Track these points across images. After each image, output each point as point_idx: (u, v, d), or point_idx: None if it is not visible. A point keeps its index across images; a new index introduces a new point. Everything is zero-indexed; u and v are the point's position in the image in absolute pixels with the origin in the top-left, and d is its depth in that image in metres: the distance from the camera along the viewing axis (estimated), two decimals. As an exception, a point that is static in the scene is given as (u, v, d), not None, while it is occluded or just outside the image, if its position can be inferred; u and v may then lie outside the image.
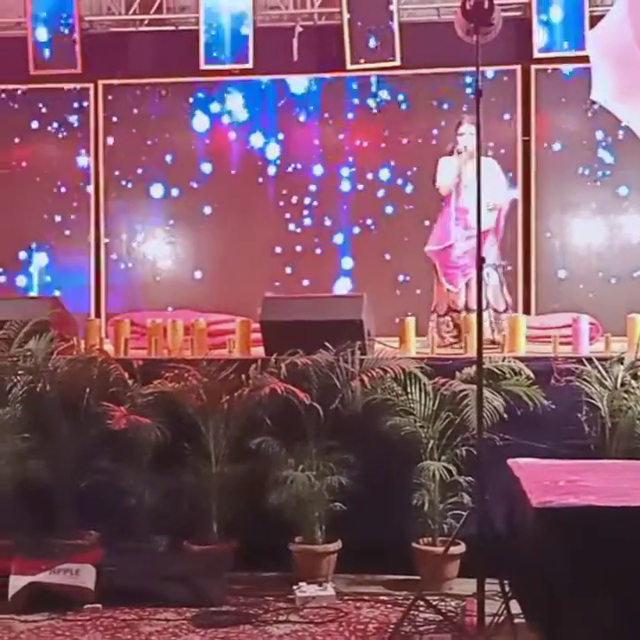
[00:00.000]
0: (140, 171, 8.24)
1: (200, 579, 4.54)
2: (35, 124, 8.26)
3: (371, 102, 8.10)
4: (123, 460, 4.84)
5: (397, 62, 7.91)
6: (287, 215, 8.10)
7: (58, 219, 8.28)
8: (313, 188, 8.06)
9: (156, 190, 8.24)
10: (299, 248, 8.08)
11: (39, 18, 8.00)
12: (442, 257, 6.09)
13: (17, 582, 4.40)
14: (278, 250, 8.11)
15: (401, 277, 7.88)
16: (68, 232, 8.30)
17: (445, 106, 7.94)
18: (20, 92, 8.25)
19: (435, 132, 7.88)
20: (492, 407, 4.58)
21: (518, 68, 7.87)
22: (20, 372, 4.95)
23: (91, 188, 8.26)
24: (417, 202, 7.71)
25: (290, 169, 8.13)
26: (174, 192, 8.22)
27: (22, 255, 8.32)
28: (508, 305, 6.10)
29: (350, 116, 8.13)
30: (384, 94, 8.09)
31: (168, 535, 4.83)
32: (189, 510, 4.81)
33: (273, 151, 8.17)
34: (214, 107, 8.22)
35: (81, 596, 4.41)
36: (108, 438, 4.78)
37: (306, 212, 8.09)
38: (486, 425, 4.34)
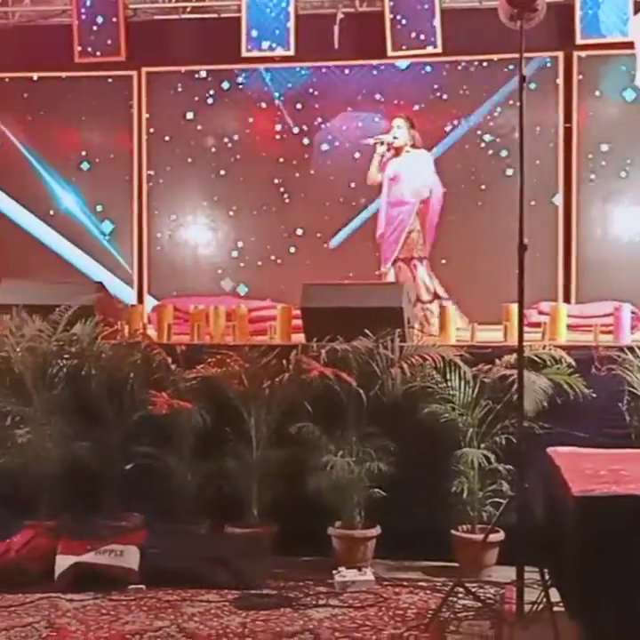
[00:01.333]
0: (181, 156, 8.31)
1: (241, 561, 4.60)
2: (80, 111, 8.37)
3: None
4: (165, 444, 4.91)
5: (439, 49, 7.89)
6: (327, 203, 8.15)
7: (99, 208, 8.40)
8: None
9: (197, 176, 8.31)
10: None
11: (84, 5, 8.09)
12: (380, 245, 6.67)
13: (63, 562, 4.49)
14: (319, 235, 8.17)
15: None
16: (112, 217, 8.41)
17: (484, 94, 7.93)
18: (64, 78, 8.36)
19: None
20: (538, 391, 4.59)
21: (560, 54, 7.83)
22: (65, 356, 5.02)
23: (135, 174, 8.35)
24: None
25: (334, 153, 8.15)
26: (216, 177, 8.29)
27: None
28: (435, 296, 6.48)
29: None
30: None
31: (209, 518, 4.89)
32: (230, 494, 4.87)
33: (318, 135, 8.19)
34: (254, 93, 8.27)
35: (125, 576, 4.49)
36: (151, 422, 4.86)
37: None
38: (527, 413, 4.35)
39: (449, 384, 4.85)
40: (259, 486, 4.88)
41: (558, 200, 7.83)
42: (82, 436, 4.92)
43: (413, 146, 6.72)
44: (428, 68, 8.12)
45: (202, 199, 8.38)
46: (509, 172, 7.86)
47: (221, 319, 5.83)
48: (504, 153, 7.96)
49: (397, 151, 6.66)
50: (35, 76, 8.39)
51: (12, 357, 4.96)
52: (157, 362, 5.01)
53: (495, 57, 7.87)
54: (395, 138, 6.64)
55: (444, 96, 8.08)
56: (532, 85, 7.50)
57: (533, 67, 7.70)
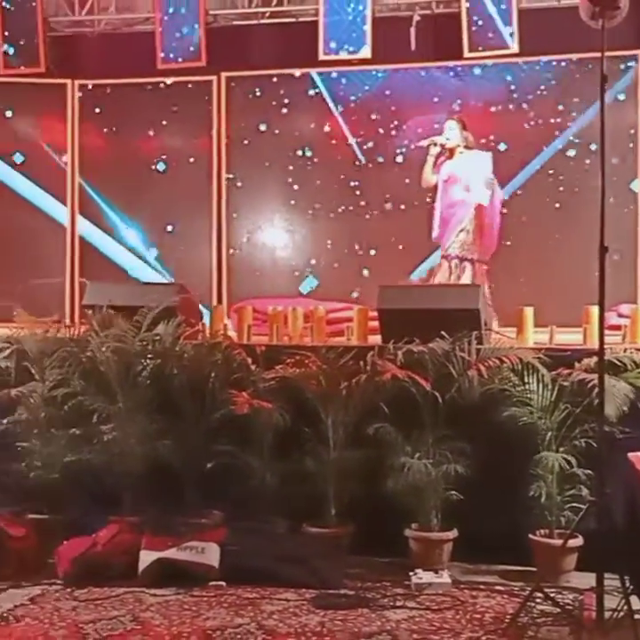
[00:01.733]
0: (259, 160, 8.42)
1: (319, 561, 4.65)
2: (162, 116, 8.55)
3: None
4: (245, 444, 4.98)
5: (516, 50, 7.84)
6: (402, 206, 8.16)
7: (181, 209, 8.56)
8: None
9: (275, 179, 8.40)
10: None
11: (167, 13, 8.27)
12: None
13: (147, 557, 4.59)
14: (393, 239, 8.19)
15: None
16: (192, 220, 8.56)
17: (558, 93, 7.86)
18: (148, 84, 8.56)
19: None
20: (619, 395, 4.54)
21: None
22: (149, 356, 5.13)
23: (214, 177, 8.49)
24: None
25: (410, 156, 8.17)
26: (293, 180, 8.37)
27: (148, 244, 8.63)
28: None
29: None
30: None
31: (288, 517, 4.94)
32: (308, 494, 4.91)
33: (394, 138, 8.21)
34: (331, 96, 8.33)
35: (206, 573, 4.57)
36: (232, 422, 4.93)
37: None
38: (608, 417, 4.31)
39: (527, 387, 4.82)
40: (336, 486, 4.92)
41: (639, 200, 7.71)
42: (164, 435, 5.02)
43: (466, 147, 6.75)
44: (505, 69, 8.07)
45: (279, 202, 8.48)
46: (588, 172, 7.77)
47: (299, 320, 5.90)
48: (582, 153, 7.88)
49: (451, 153, 6.70)
50: (116, 82, 8.60)
51: (98, 357, 5.10)
52: (238, 362, 5.10)
53: (574, 56, 7.78)
54: (447, 139, 6.68)
55: (521, 97, 8.02)
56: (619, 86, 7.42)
57: (616, 65, 7.59)
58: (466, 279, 6.65)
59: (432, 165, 6.76)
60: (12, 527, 4.83)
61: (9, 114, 8.68)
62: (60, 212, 8.71)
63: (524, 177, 7.82)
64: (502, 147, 7.94)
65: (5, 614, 4.15)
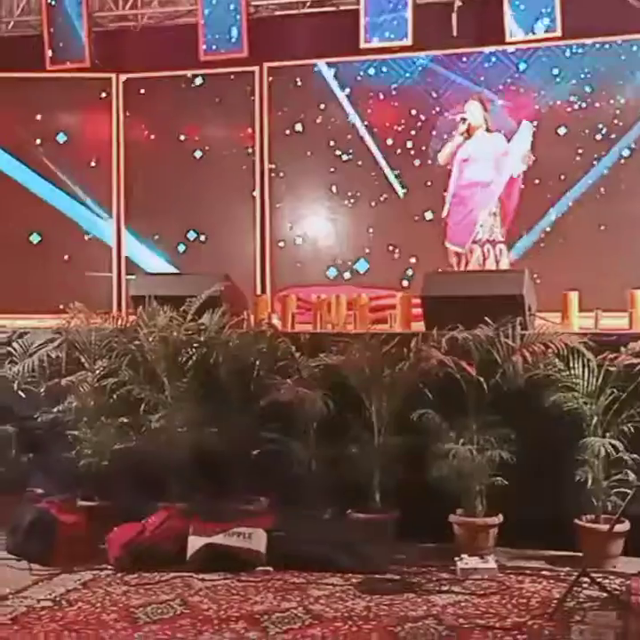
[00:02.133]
0: (301, 149, 8.45)
1: (364, 546, 4.68)
2: (205, 108, 8.62)
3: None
4: (290, 431, 5.02)
5: (558, 33, 7.76)
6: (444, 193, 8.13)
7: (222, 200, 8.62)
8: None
9: (316, 169, 8.43)
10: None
11: (209, 4, 8.33)
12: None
13: (195, 543, 4.67)
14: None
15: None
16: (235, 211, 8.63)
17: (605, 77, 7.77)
18: (191, 76, 8.63)
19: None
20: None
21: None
22: (195, 345, 5.20)
23: (257, 167, 8.53)
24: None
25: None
26: (335, 170, 8.39)
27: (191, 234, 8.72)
28: None
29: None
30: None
31: (333, 503, 4.97)
32: (353, 480, 4.94)
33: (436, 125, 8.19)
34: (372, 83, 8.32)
35: (253, 558, 4.63)
36: (277, 409, 4.97)
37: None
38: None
39: (572, 372, 4.79)
40: (381, 472, 4.94)
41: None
42: (211, 422, 5.08)
43: (487, 129, 6.73)
44: (548, 53, 7.98)
45: (321, 191, 8.49)
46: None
47: (343, 308, 5.93)
48: (624, 137, 7.79)
49: (470, 133, 6.68)
50: (159, 75, 8.68)
51: (145, 347, 5.17)
52: (282, 350, 5.15)
53: (619, 39, 7.69)
54: (464, 120, 6.72)
55: (564, 81, 7.94)
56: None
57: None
58: (504, 263, 6.63)
59: (455, 144, 6.74)
60: (64, 514, 4.94)
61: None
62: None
63: (565, 160, 7.75)
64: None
65: (58, 599, 4.25)
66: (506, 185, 6.67)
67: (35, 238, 8.83)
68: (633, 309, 5.29)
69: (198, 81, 8.65)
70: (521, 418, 4.81)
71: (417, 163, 8.27)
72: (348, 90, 8.39)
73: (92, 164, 8.84)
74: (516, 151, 6.64)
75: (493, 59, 8.13)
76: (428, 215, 8.18)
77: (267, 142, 8.55)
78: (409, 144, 8.28)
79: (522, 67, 8.04)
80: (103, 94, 8.83)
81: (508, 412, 4.81)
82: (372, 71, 8.33)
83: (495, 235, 6.68)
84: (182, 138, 8.75)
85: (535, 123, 7.76)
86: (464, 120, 6.72)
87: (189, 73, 8.63)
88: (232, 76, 8.59)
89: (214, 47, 8.37)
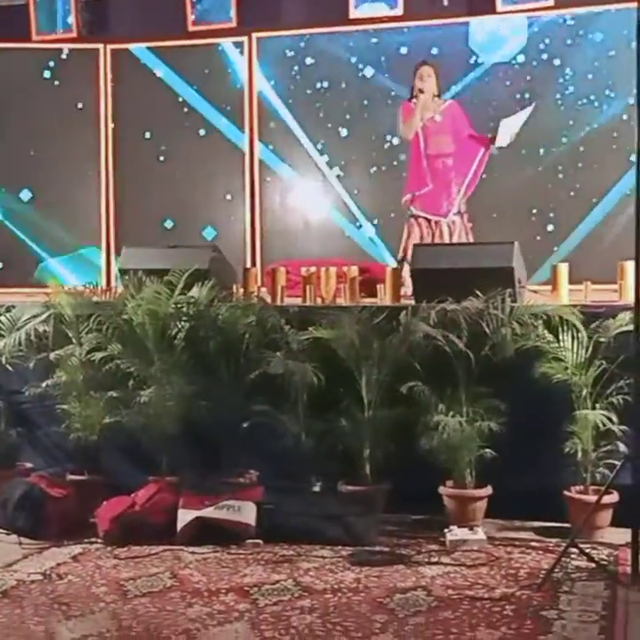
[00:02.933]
0: (292, 119, 8.38)
1: (354, 519, 4.69)
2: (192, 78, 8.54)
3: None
4: (280, 404, 5.02)
5: (551, 2, 7.69)
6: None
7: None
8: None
9: (307, 138, 8.36)
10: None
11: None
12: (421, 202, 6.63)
13: (185, 516, 4.66)
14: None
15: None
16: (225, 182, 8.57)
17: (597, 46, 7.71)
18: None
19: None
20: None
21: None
22: (183, 319, 5.18)
23: (246, 139, 8.46)
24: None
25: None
26: (326, 139, 8.32)
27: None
28: None
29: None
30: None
31: (323, 476, 4.99)
32: (343, 452, 4.96)
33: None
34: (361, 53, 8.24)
35: (243, 531, 4.63)
36: (267, 382, 4.97)
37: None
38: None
39: (562, 344, 4.79)
40: (371, 445, 4.95)
41: None
42: (200, 396, 5.06)
43: (438, 96, 6.72)
44: (539, 22, 7.90)
45: (312, 161, 8.42)
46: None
47: (332, 281, 5.91)
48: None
49: (425, 101, 6.63)
50: (149, 45, 8.58)
51: (134, 320, 5.15)
52: (271, 323, 5.13)
53: (613, 8, 7.61)
54: (421, 91, 6.63)
55: (554, 49, 7.87)
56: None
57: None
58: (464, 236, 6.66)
59: (417, 115, 6.66)
60: (53, 488, 4.93)
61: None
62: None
63: (554, 130, 7.72)
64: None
65: (48, 572, 4.26)
66: (478, 156, 6.62)
67: None
68: (622, 281, 5.28)
69: (186, 52, 8.53)
70: (510, 390, 4.82)
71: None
72: (335, 59, 8.24)
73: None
74: (507, 126, 6.56)
75: (483, 27, 8.03)
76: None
77: (256, 113, 8.47)
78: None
79: (511, 37, 7.94)
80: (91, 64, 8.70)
81: (497, 384, 4.81)
82: (361, 40, 8.19)
83: (461, 206, 6.67)
84: (167, 109, 8.64)
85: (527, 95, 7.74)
86: (421, 91, 6.63)
87: (179, 44, 8.52)
88: (220, 47, 8.49)
89: (202, 17, 8.29)
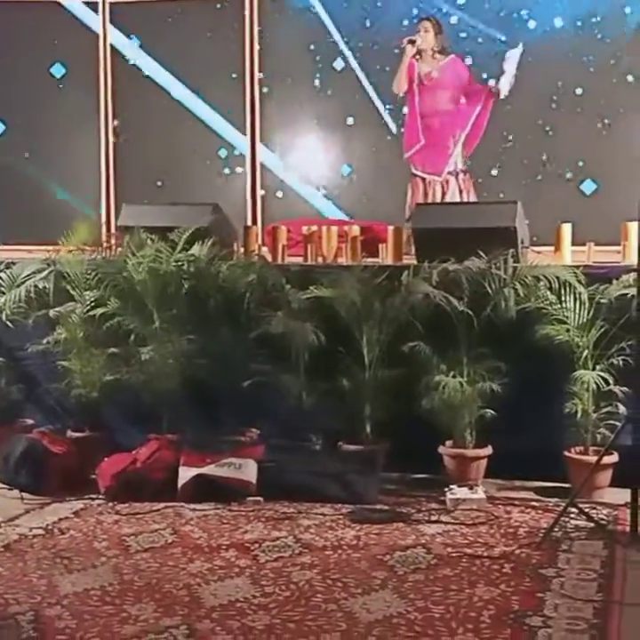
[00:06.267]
0: (291, 76, 8.29)
1: (354, 477, 4.72)
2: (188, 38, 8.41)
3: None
4: (281, 363, 5.01)
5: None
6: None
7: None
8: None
9: (306, 94, 8.27)
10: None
11: None
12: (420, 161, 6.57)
13: (185, 473, 4.68)
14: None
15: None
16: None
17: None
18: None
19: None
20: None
21: None
22: (184, 277, 5.16)
23: (248, 98, 8.37)
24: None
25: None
26: (324, 97, 8.23)
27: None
28: None
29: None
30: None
31: (323, 435, 5.01)
32: (344, 411, 4.97)
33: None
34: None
35: (243, 488, 4.65)
36: (267, 341, 4.97)
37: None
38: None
39: (563, 305, 4.78)
40: (371, 404, 4.96)
41: None
42: (201, 354, 5.07)
43: (440, 52, 6.62)
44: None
45: (311, 118, 8.33)
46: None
47: (334, 240, 5.88)
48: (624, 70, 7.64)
49: (422, 55, 6.55)
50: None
51: (135, 278, 5.13)
52: (272, 282, 5.12)
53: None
54: (412, 41, 6.57)
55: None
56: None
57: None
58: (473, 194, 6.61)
59: (406, 68, 6.60)
60: (54, 444, 4.96)
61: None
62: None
63: (561, 94, 7.62)
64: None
65: (50, 527, 4.28)
66: (476, 111, 6.56)
67: None
68: (625, 242, 5.25)
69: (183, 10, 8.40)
70: (511, 350, 4.81)
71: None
72: (343, 16, 8.12)
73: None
74: (507, 72, 6.51)
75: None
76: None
77: (257, 72, 8.36)
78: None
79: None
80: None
81: (498, 345, 4.81)
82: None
83: (461, 164, 6.61)
84: (169, 66, 8.54)
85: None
86: (413, 42, 6.54)
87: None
88: (218, 5, 8.37)
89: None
